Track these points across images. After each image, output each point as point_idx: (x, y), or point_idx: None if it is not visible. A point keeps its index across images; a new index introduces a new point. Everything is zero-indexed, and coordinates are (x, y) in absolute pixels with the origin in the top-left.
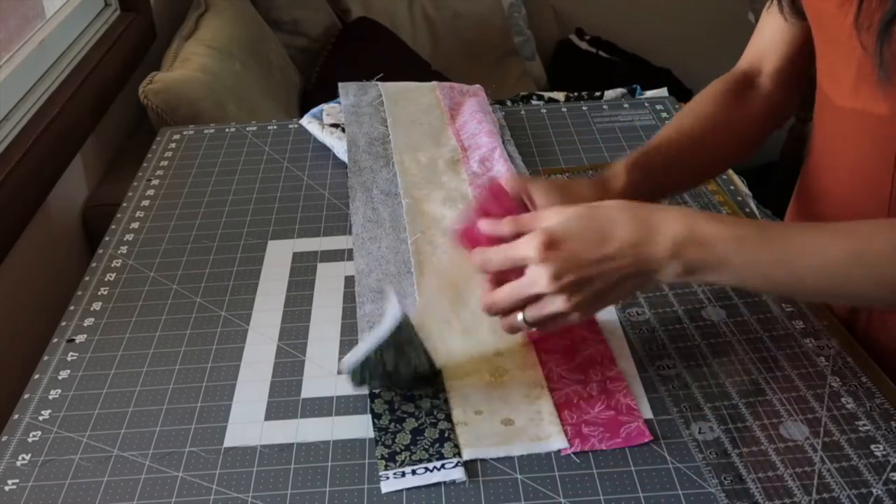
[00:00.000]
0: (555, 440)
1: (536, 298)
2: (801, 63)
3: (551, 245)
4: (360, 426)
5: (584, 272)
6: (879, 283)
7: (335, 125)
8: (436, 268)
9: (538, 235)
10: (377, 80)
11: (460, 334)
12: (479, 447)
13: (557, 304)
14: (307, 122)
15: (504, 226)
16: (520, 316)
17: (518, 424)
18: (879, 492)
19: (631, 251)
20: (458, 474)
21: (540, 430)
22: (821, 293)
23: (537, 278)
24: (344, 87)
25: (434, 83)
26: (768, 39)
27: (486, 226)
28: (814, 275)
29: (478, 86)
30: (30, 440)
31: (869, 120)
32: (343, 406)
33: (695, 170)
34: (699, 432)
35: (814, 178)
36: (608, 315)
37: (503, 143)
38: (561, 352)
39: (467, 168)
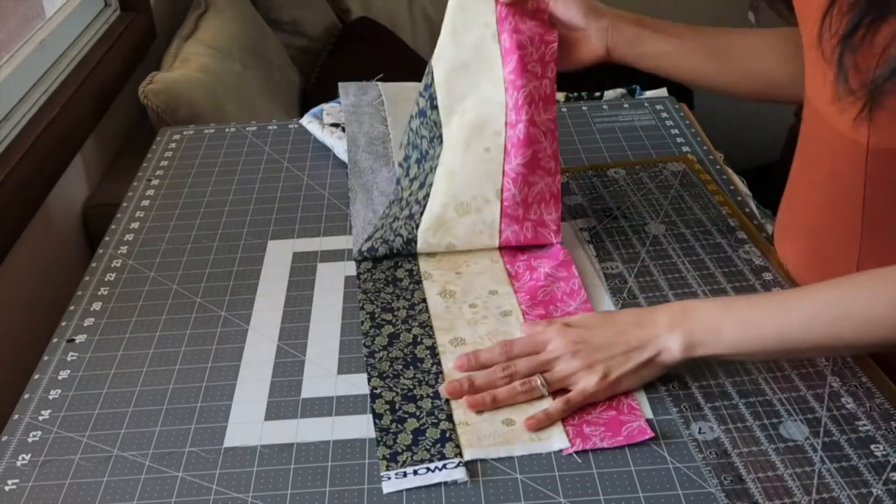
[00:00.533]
0: (556, 440)
1: (553, 363)
2: None
3: (567, 325)
4: (360, 426)
5: (595, 339)
6: (862, 327)
7: (335, 125)
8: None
9: (556, 322)
10: (377, 80)
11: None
12: (480, 447)
13: (571, 364)
14: (307, 121)
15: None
16: (538, 379)
17: (519, 425)
18: (879, 492)
19: (633, 329)
20: (460, 474)
21: (541, 430)
22: (812, 346)
23: (555, 343)
24: (344, 87)
25: None
26: None
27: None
28: (802, 326)
29: None
30: (30, 440)
31: (840, 125)
32: (343, 406)
33: (684, 61)
34: (699, 432)
35: (796, 179)
36: None
37: None
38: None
39: None
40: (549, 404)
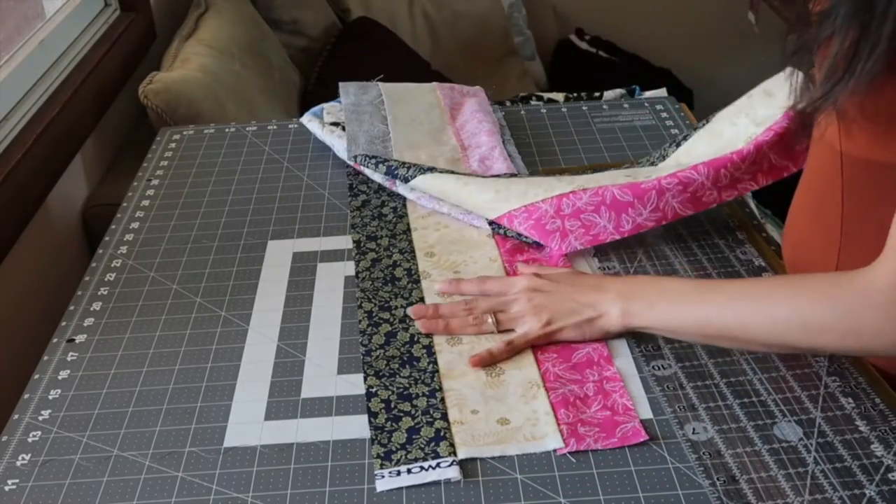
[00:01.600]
0: (550, 440)
1: (509, 304)
2: None
3: (538, 275)
4: (359, 426)
5: (552, 290)
6: (766, 324)
7: (335, 124)
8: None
9: (533, 269)
10: (377, 80)
11: None
12: (474, 446)
13: (522, 307)
14: (307, 120)
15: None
16: (490, 318)
17: (514, 424)
18: (872, 493)
19: (588, 290)
20: (453, 473)
21: (536, 429)
22: (725, 332)
23: (518, 286)
24: (344, 87)
25: (434, 84)
26: None
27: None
28: (717, 310)
29: (478, 87)
30: (30, 440)
31: (817, 132)
32: (343, 406)
33: None
34: (693, 433)
35: (802, 187)
36: None
37: (503, 142)
38: (558, 352)
39: (467, 167)
40: (543, 404)
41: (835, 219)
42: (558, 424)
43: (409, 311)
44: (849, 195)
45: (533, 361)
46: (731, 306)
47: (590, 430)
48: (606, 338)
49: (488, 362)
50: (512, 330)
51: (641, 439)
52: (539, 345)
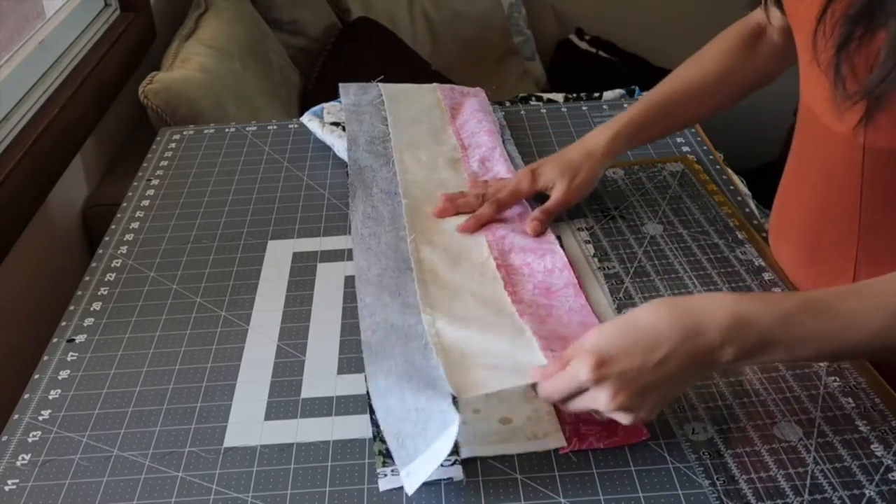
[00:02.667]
0: (552, 439)
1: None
2: None
3: (603, 364)
4: (360, 426)
5: (641, 382)
6: None
7: (335, 123)
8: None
9: (587, 358)
10: (377, 81)
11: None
12: (476, 445)
13: (622, 418)
14: (307, 119)
15: (552, 366)
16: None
17: (516, 423)
18: (872, 493)
19: (684, 350)
20: (455, 472)
21: (538, 428)
22: (873, 354)
23: (597, 398)
24: (344, 88)
25: (435, 84)
26: None
27: (536, 374)
28: (862, 343)
29: (478, 88)
30: (30, 440)
31: (837, 128)
32: (343, 406)
33: (678, 124)
34: (693, 433)
35: (790, 180)
36: (606, 315)
37: (503, 142)
38: (562, 352)
39: (467, 167)
40: (545, 403)
41: (851, 211)
42: (561, 424)
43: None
44: (869, 187)
45: (532, 335)
46: (882, 330)
47: (592, 429)
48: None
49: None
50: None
51: (643, 437)
52: (540, 336)
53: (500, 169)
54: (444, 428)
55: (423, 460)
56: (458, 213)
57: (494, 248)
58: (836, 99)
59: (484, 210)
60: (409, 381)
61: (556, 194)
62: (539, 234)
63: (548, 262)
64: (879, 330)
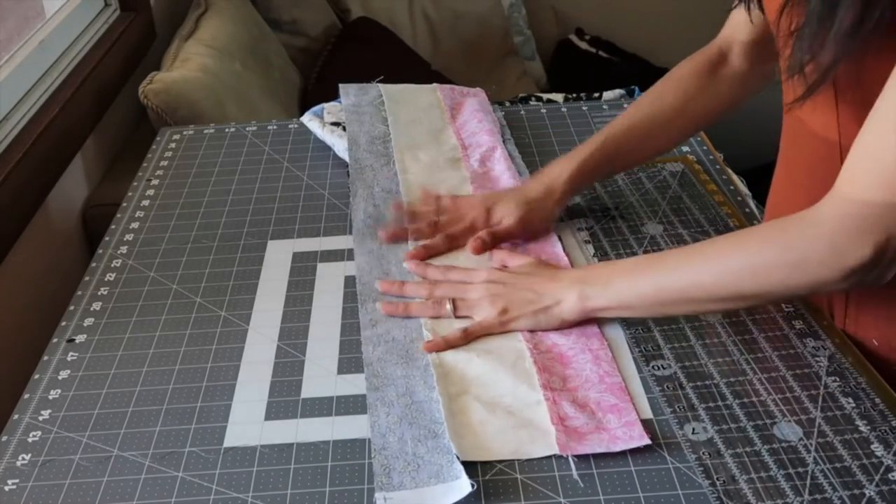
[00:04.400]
0: (545, 445)
1: (468, 290)
2: (771, 38)
3: (505, 266)
4: (360, 426)
5: (511, 280)
6: (719, 275)
7: (336, 124)
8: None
9: (491, 272)
10: (377, 81)
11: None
12: (472, 452)
13: (479, 294)
14: (308, 119)
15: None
16: (448, 304)
17: (509, 427)
18: (872, 493)
19: (544, 280)
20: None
21: (534, 434)
22: (682, 295)
23: (482, 276)
24: (344, 89)
25: (435, 85)
26: (743, 16)
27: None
28: (673, 271)
29: (478, 88)
30: (30, 440)
31: (814, 125)
32: (343, 406)
33: (639, 159)
34: (693, 433)
35: (779, 181)
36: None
37: (503, 142)
38: (559, 359)
39: (468, 166)
40: (543, 410)
41: None
42: (556, 430)
43: (378, 284)
44: None
45: (532, 365)
46: (684, 267)
47: (588, 434)
48: (563, 326)
49: (443, 347)
50: (470, 318)
51: (643, 443)
52: (540, 367)
53: (501, 168)
54: (439, 479)
55: (406, 493)
56: (408, 240)
57: (497, 254)
58: (793, 85)
59: (437, 242)
60: (411, 426)
61: (507, 222)
62: (479, 252)
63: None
64: (680, 262)
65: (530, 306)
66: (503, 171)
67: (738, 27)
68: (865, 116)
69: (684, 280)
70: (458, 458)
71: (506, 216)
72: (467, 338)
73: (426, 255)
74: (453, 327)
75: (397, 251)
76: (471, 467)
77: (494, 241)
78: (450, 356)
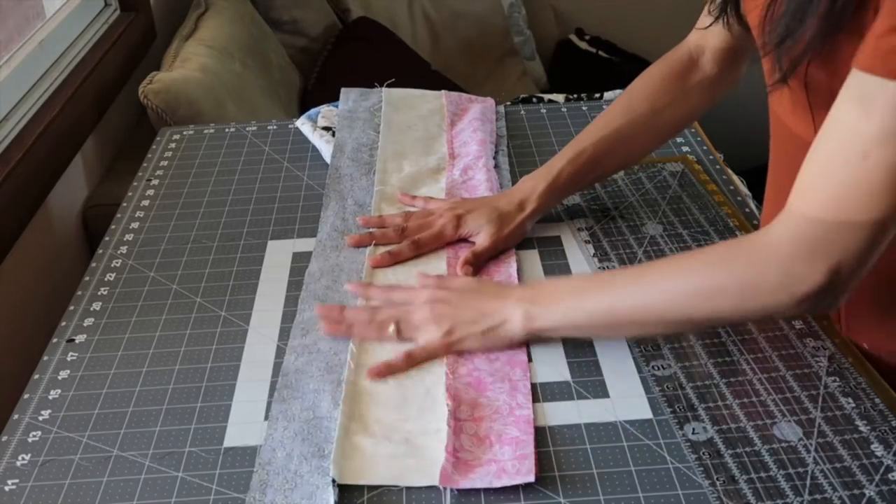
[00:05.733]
0: (430, 476)
1: (411, 311)
2: (743, 43)
3: (444, 285)
4: None
5: (454, 299)
6: (664, 299)
7: (326, 128)
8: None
9: (439, 279)
10: (387, 85)
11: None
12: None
13: (423, 315)
14: (301, 122)
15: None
16: (392, 326)
17: (403, 455)
18: (872, 493)
19: (489, 298)
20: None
21: (421, 463)
22: (632, 317)
23: (422, 295)
24: (345, 93)
25: (443, 91)
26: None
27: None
28: (623, 293)
29: (489, 98)
30: (30, 440)
31: (798, 129)
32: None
33: (609, 171)
34: (693, 433)
35: (771, 185)
36: None
37: (496, 153)
38: (475, 385)
39: (449, 175)
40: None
41: None
42: (445, 460)
43: (316, 309)
44: None
45: (444, 392)
46: (632, 289)
47: (478, 465)
48: (511, 346)
49: (386, 373)
50: (412, 339)
51: (528, 479)
52: (454, 372)
53: (481, 178)
54: (311, 501)
55: None
56: (374, 244)
57: (452, 266)
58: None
59: (402, 248)
60: (303, 441)
61: (482, 240)
62: (471, 276)
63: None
64: (628, 284)
65: (475, 326)
66: (482, 182)
67: (710, 32)
68: None
69: (630, 303)
70: (333, 481)
71: (476, 230)
72: (411, 363)
73: (391, 262)
74: (384, 347)
75: (353, 262)
76: (356, 489)
77: (478, 261)
78: (365, 379)
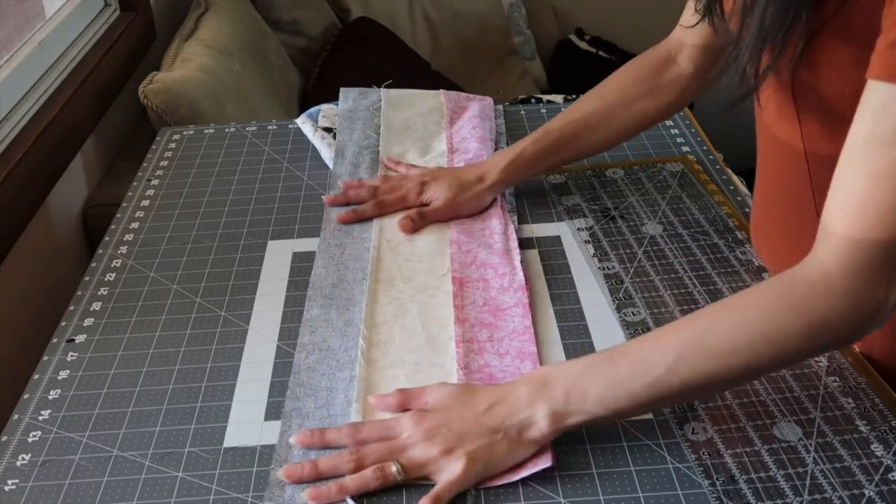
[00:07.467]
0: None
1: (407, 449)
2: (725, 43)
3: (422, 411)
4: None
5: (453, 422)
6: (725, 359)
7: (328, 129)
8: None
9: (411, 410)
10: (385, 86)
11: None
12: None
13: (429, 450)
14: (301, 121)
15: (392, 398)
16: (394, 466)
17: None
18: (872, 493)
19: (493, 409)
20: None
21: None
22: (684, 389)
23: (410, 430)
24: (345, 93)
25: (441, 91)
26: (695, 20)
27: (374, 400)
28: (667, 370)
29: (487, 97)
30: (30, 440)
31: (781, 135)
32: None
33: (577, 155)
34: (693, 433)
35: (758, 194)
36: (605, 315)
37: (496, 150)
38: (487, 380)
39: None
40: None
41: (810, 219)
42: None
43: (282, 473)
44: (819, 193)
45: None
46: (681, 362)
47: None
48: (538, 447)
49: None
50: (422, 477)
51: (545, 466)
52: (466, 366)
53: None
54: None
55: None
56: (348, 204)
57: (456, 261)
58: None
59: (366, 208)
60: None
61: (436, 205)
62: (408, 232)
63: (505, 280)
64: (673, 360)
65: (496, 445)
66: None
67: (691, 30)
68: (827, 127)
69: (685, 374)
70: None
71: (436, 196)
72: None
73: (355, 218)
74: (395, 343)
75: (358, 260)
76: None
77: (423, 221)
78: (378, 374)
